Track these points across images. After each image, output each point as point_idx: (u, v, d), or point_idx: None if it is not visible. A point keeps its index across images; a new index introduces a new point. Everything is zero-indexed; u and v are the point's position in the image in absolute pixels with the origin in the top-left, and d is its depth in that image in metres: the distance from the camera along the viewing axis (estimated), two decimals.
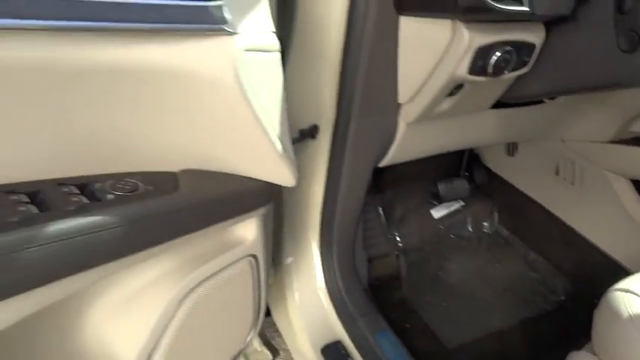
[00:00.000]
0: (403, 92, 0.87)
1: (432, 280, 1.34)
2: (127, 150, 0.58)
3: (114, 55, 0.48)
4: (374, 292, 1.19)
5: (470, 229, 1.53)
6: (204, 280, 0.73)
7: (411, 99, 0.87)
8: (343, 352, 1.02)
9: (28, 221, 0.49)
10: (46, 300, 0.54)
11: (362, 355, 0.99)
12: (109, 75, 0.49)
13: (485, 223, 1.56)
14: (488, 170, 1.58)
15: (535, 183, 1.47)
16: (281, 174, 0.65)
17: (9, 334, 0.55)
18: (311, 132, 0.93)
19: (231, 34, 0.51)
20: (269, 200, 0.72)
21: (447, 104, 0.89)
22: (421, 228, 1.46)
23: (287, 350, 1.17)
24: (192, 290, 0.72)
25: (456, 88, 0.85)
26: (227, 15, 0.51)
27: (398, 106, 0.90)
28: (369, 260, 1.30)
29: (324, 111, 0.89)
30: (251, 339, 0.87)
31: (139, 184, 0.59)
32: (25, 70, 0.45)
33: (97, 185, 0.57)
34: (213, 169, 0.65)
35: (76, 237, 0.50)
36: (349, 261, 1.10)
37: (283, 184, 0.66)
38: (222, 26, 0.50)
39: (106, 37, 0.46)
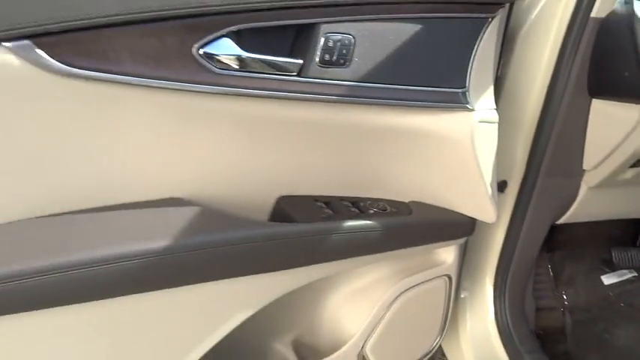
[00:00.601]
0: (588, 160, 1.02)
1: (599, 341, 1.39)
2: (382, 183, 0.86)
3: (394, 121, 0.75)
4: (539, 341, 1.29)
5: None
6: (410, 288, 0.96)
7: (595, 166, 1.02)
8: None
9: (329, 218, 0.77)
10: (323, 273, 0.81)
11: None
12: (387, 132, 0.77)
13: None
14: None
15: None
16: (486, 212, 0.86)
17: (281, 299, 0.83)
18: (500, 186, 1.12)
19: (471, 110, 0.76)
20: (470, 233, 0.93)
21: (630, 174, 1.02)
22: (589, 291, 1.51)
23: None
24: (401, 294, 0.95)
25: None
26: (469, 97, 0.76)
27: (582, 171, 1.05)
28: (536, 310, 1.41)
29: (515, 169, 1.07)
30: (436, 345, 1.06)
31: (387, 206, 0.85)
32: (341, 128, 0.74)
33: (362, 203, 0.85)
34: (434, 203, 0.89)
35: (353, 233, 0.77)
36: (519, 303, 1.24)
37: (486, 221, 0.87)
38: (466, 105, 0.75)
39: (390, 110, 0.74)
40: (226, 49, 0.62)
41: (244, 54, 0.63)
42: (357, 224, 0.77)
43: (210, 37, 0.60)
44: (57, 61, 0.54)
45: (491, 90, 0.80)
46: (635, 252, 1.54)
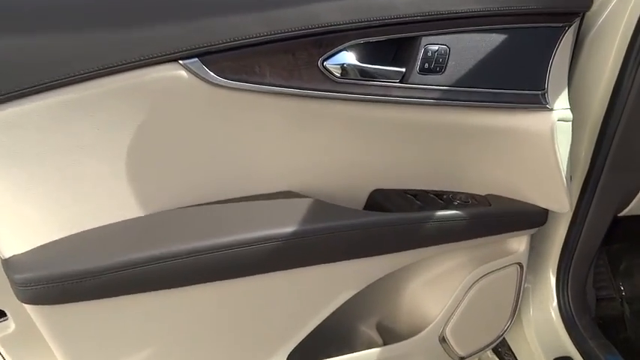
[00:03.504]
0: None
1: None
2: (464, 177, 0.94)
3: (481, 121, 0.84)
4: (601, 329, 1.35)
5: None
6: (486, 275, 1.04)
7: None
8: None
9: (421, 209, 0.86)
10: (414, 259, 0.91)
11: None
12: (475, 132, 0.85)
13: None
14: None
15: None
16: (561, 203, 0.94)
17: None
18: None
19: (550, 110, 0.84)
20: (543, 223, 1.01)
21: None
22: None
23: None
24: (478, 280, 1.03)
25: None
26: (548, 98, 0.84)
27: None
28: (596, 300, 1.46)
29: (578, 165, 1.14)
30: (507, 329, 1.14)
31: (469, 198, 0.94)
32: (434, 128, 0.84)
33: (445, 196, 0.94)
34: (510, 195, 0.97)
35: (442, 222, 0.86)
36: (581, 293, 1.30)
37: (560, 211, 0.95)
38: (546, 106, 0.83)
39: (479, 111, 0.83)
40: (344, 61, 0.72)
41: (358, 65, 0.73)
42: (445, 214, 0.86)
43: (332, 51, 0.70)
44: (216, 74, 0.65)
45: (566, 91, 0.88)
46: None
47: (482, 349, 1.15)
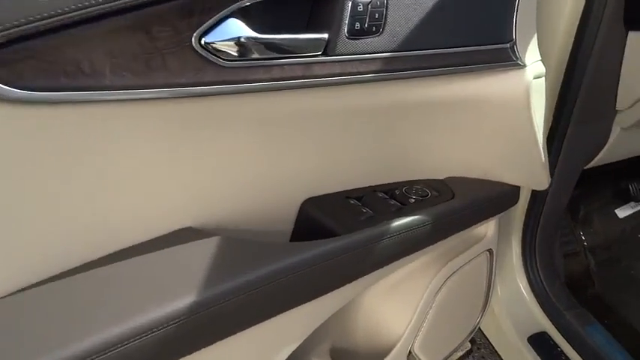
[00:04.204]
0: (622, 100, 0.92)
1: (625, 278, 1.35)
2: (418, 163, 0.73)
3: (437, 91, 0.62)
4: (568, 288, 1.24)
5: None
6: (454, 272, 0.86)
7: (630, 106, 0.92)
8: (551, 342, 1.09)
9: (371, 220, 0.64)
10: (371, 282, 0.70)
11: (573, 347, 1.05)
12: (429, 106, 0.64)
13: None
14: None
15: None
16: (538, 179, 0.75)
17: None
18: None
19: (522, 67, 0.63)
20: (515, 202, 0.83)
21: None
22: (606, 228, 1.47)
23: (482, 343, 1.27)
24: (446, 281, 0.85)
25: None
26: (518, 52, 0.63)
27: (615, 112, 0.96)
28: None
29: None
30: (480, 320, 0.98)
31: (426, 190, 0.73)
32: (376, 109, 0.61)
33: (397, 191, 0.72)
34: (475, 176, 0.78)
35: (400, 234, 0.65)
36: (550, 258, 1.17)
37: (538, 188, 0.77)
38: (517, 61, 0.63)
39: (433, 80, 0.61)
40: (234, 34, 0.46)
41: (257, 37, 0.48)
42: (403, 223, 0.65)
43: (212, 20, 0.45)
44: (9, 85, 0.37)
45: (535, 39, 0.67)
46: None
47: (455, 350, 0.99)
